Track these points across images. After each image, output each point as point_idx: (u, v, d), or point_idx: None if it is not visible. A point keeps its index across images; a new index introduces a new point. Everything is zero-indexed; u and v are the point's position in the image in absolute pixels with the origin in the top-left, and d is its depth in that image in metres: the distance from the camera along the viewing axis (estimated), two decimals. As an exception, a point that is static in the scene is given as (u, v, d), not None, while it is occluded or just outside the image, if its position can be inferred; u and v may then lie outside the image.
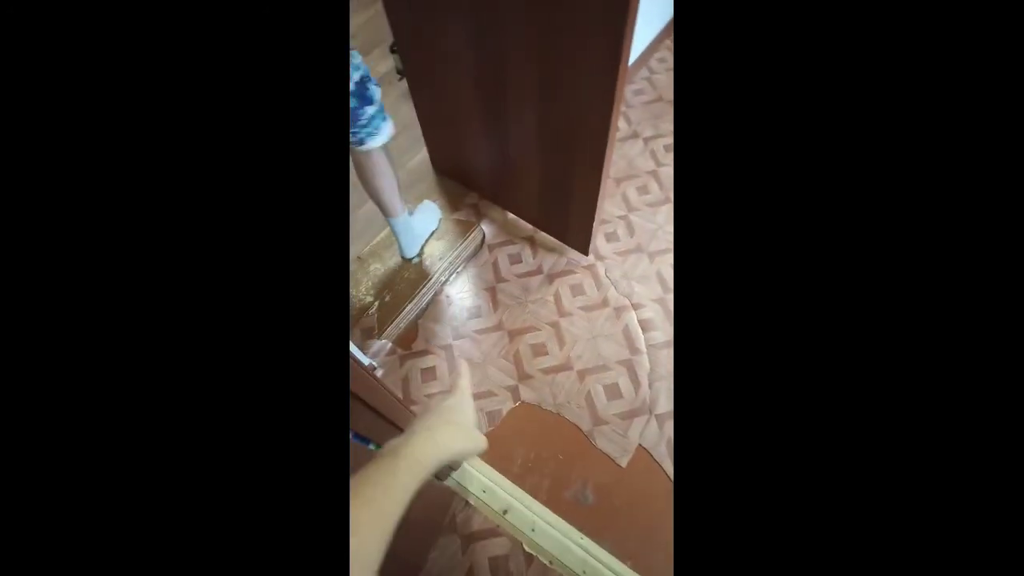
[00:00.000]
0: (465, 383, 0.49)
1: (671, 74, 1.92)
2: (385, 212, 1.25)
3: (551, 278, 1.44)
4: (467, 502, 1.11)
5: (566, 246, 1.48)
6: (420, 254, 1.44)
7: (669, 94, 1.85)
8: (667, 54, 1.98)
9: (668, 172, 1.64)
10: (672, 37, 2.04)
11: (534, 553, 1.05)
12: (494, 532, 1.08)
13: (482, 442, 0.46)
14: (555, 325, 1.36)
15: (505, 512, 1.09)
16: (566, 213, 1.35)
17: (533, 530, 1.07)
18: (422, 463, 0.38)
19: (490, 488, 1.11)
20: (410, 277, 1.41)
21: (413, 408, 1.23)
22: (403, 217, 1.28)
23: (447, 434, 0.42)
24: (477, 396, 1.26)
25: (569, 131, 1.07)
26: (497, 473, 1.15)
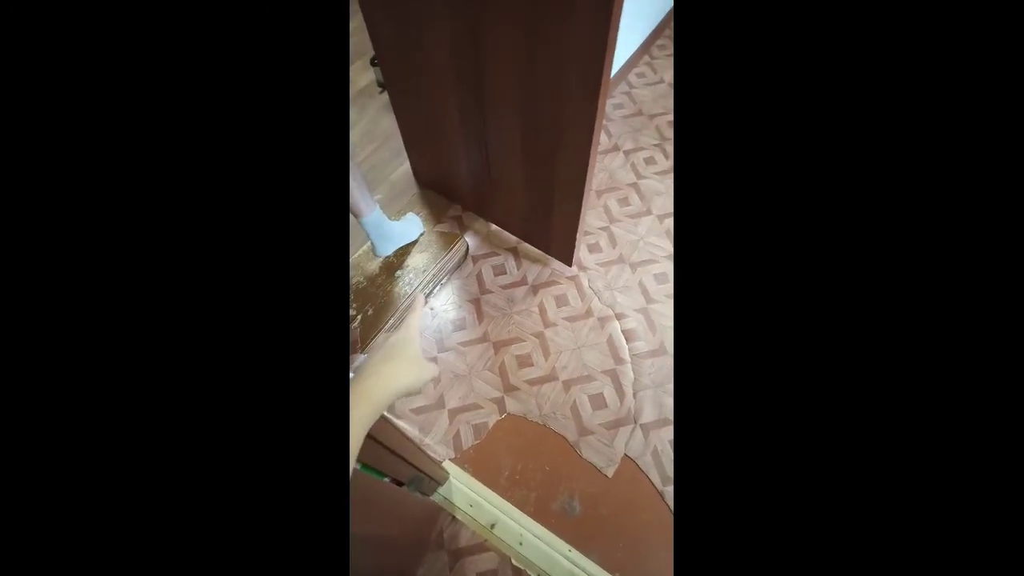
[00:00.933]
0: (415, 319, 0.50)
1: (650, 88, 1.97)
2: (352, 211, 1.23)
3: (535, 289, 1.45)
4: (454, 517, 1.10)
5: (550, 257, 1.50)
6: (402, 266, 1.44)
7: (648, 108, 1.90)
8: (645, 69, 2.04)
9: (648, 184, 1.67)
10: (648, 53, 2.09)
11: (522, 567, 1.05)
12: (482, 547, 1.07)
13: (431, 370, 0.47)
14: (540, 336, 1.36)
15: (492, 526, 1.08)
16: (549, 225, 1.37)
17: (521, 544, 1.06)
18: (371, 399, 0.40)
19: (477, 502, 1.11)
20: (393, 290, 1.40)
21: (399, 423, 1.22)
22: (373, 216, 1.27)
23: (393, 368, 0.44)
24: (463, 409, 1.25)
25: (552, 143, 1.09)
26: (484, 487, 1.14)
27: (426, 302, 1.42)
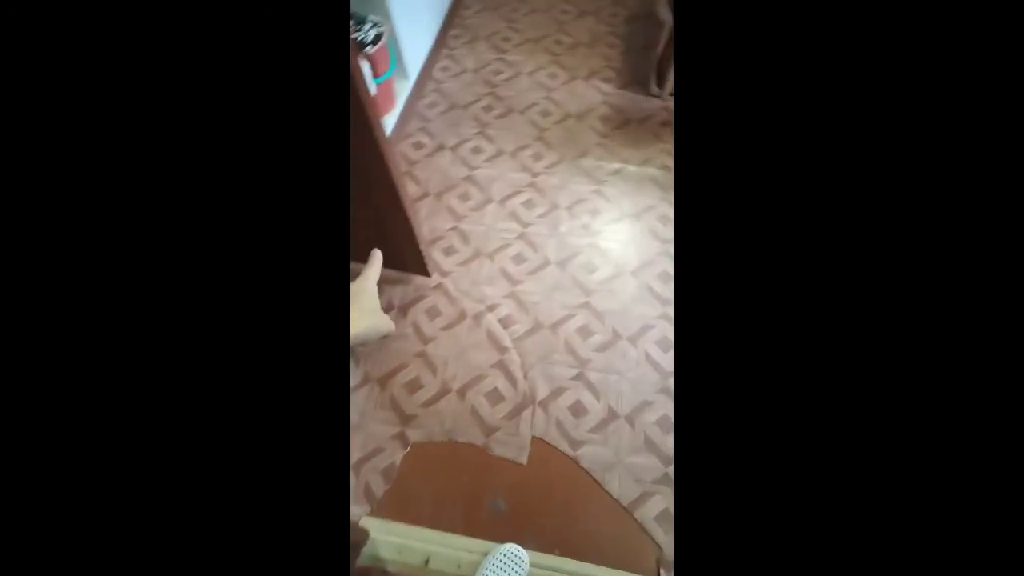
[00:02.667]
0: (373, 272, 0.49)
1: (457, 80, 1.99)
2: None
3: (404, 310, 1.42)
4: (385, 572, 1.06)
5: (408, 274, 1.47)
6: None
7: (460, 99, 1.92)
8: (448, 62, 2.05)
9: (482, 173, 1.70)
10: (446, 45, 2.11)
11: (466, 589, 1.04)
12: (424, 585, 1.05)
13: (385, 322, 0.46)
14: (422, 355, 1.34)
15: (427, 562, 1.06)
16: (393, 242, 1.33)
17: (459, 566, 1.05)
18: None
19: (405, 546, 1.07)
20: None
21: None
22: None
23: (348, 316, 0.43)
24: (365, 459, 1.19)
25: (356, 170, 1.05)
26: (408, 526, 1.11)
27: None
